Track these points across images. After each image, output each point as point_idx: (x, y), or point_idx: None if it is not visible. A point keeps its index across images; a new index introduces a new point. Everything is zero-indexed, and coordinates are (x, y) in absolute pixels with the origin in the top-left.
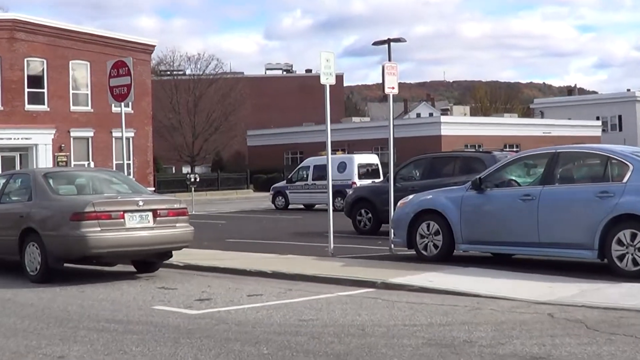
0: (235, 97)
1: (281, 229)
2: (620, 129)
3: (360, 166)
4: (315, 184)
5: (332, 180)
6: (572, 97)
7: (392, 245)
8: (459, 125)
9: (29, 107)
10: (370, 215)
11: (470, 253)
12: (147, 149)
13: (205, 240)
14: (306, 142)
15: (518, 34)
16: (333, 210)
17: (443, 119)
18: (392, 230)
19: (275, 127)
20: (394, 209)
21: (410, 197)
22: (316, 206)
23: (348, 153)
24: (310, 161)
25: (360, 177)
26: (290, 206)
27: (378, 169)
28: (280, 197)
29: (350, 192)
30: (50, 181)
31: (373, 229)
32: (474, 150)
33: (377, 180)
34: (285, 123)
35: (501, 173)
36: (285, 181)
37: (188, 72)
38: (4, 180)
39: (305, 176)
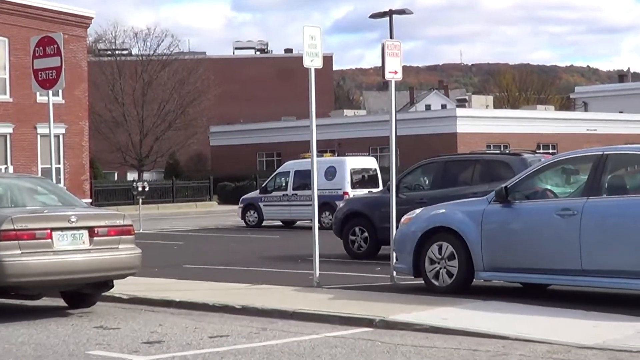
0: (195, 83)
1: (253, 251)
2: None
3: (353, 172)
4: (296, 194)
5: (319, 189)
6: (624, 85)
7: (394, 273)
8: (479, 120)
9: None
10: (366, 234)
11: (493, 283)
12: (82, 149)
13: (156, 267)
14: (285, 142)
15: (556, 5)
16: (319, 228)
17: (459, 112)
18: (394, 254)
19: (245, 123)
20: (397, 227)
21: (418, 211)
22: (297, 223)
23: (338, 155)
24: (290, 165)
25: (354, 185)
26: (264, 223)
27: (377, 176)
28: (252, 212)
29: (342, 205)
30: None
31: (370, 252)
32: (498, 151)
33: (375, 190)
34: (259, 117)
35: (533, 181)
36: (258, 191)
37: (135, 51)
38: None
39: (283, 185)
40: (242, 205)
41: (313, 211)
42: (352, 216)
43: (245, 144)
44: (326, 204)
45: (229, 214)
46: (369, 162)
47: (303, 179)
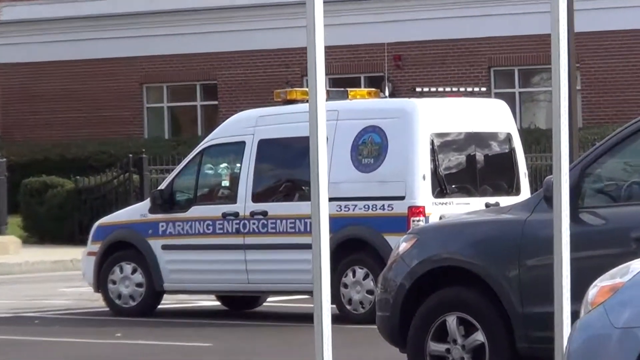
0: None
1: None
2: None
3: (442, 146)
4: (262, 215)
5: (336, 199)
6: None
7: None
8: None
9: None
10: (480, 339)
11: None
12: None
13: None
14: (224, 56)
15: None
16: (339, 316)
17: None
18: None
19: None
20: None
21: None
22: (268, 299)
23: (393, 96)
24: (245, 124)
25: (444, 187)
26: (165, 299)
27: (511, 157)
28: (129, 267)
29: (409, 249)
30: None
31: None
32: None
33: (504, 202)
34: None
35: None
36: (145, 203)
37: None
38: None
39: (222, 186)
40: (96, 248)
41: (316, 264)
42: (441, 281)
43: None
44: (357, 243)
45: (54, 275)
46: (489, 116)
47: (283, 170)
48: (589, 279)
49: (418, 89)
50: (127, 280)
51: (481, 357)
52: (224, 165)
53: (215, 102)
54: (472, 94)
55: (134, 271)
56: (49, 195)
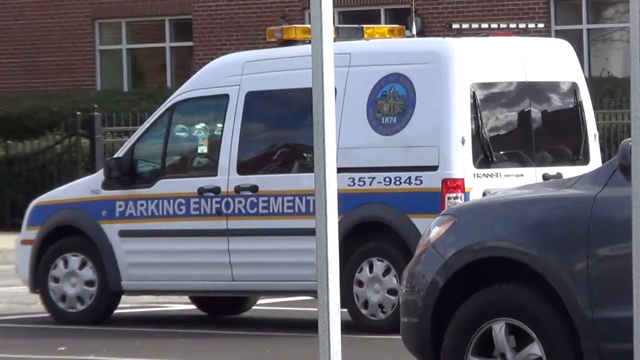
0: None
1: None
2: None
3: (487, 99)
4: (247, 192)
5: (345, 171)
6: None
7: None
8: None
9: None
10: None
11: None
12: None
13: None
14: None
15: None
16: (349, 325)
17: None
18: None
19: None
20: None
21: None
22: (258, 302)
23: (423, 34)
24: (231, 71)
25: (488, 154)
26: (123, 300)
27: (578, 115)
28: (76, 259)
29: (442, 234)
30: None
31: None
32: None
33: (565, 174)
34: None
35: None
36: (97, 176)
37: None
38: None
39: (198, 155)
40: (33, 235)
41: (321, 256)
42: (485, 277)
43: None
44: (375, 228)
45: None
46: (548, 61)
47: (278, 132)
48: None
49: (455, 26)
50: (74, 276)
51: None
52: (200, 125)
53: (190, 44)
54: (526, 32)
55: (82, 265)
56: None
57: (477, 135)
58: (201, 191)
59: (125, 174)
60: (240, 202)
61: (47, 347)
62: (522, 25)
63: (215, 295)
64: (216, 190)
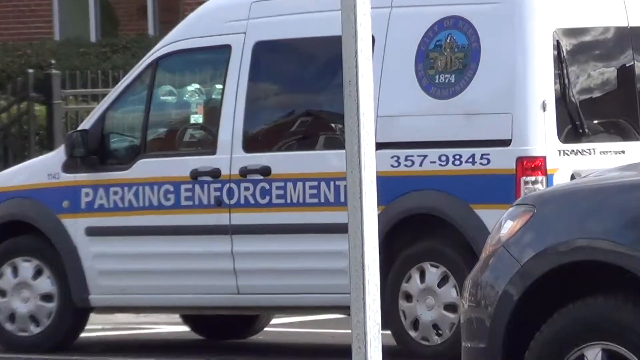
0: None
1: None
2: None
3: (571, 53)
4: (257, 175)
5: (389, 145)
6: None
7: None
8: None
9: None
10: None
11: None
12: None
13: None
14: None
15: None
16: (395, 351)
17: None
18: None
19: None
20: None
21: None
22: (272, 322)
23: None
24: (227, 25)
25: (575, 129)
26: (96, 320)
27: None
28: (29, 264)
29: (513, 231)
30: None
31: None
32: None
33: None
34: None
35: None
36: (54, 157)
37: None
38: None
39: (189, 123)
40: None
41: (356, 260)
42: (574, 288)
43: None
44: (427, 222)
45: None
46: None
47: (296, 95)
48: None
49: None
50: (26, 289)
51: None
52: (193, 87)
53: None
54: None
55: (37, 273)
56: None
57: (563, 99)
58: (195, 175)
59: (94, 152)
60: (247, 189)
61: None
62: None
63: (215, 313)
64: (215, 174)
